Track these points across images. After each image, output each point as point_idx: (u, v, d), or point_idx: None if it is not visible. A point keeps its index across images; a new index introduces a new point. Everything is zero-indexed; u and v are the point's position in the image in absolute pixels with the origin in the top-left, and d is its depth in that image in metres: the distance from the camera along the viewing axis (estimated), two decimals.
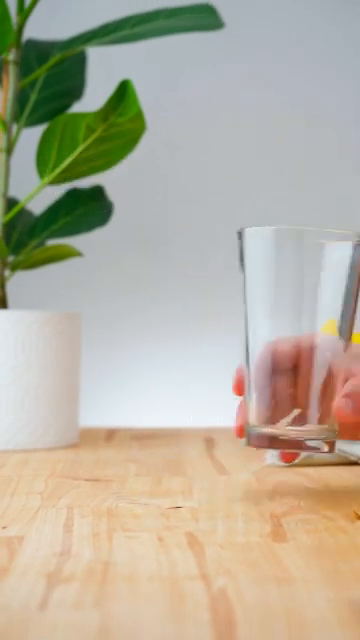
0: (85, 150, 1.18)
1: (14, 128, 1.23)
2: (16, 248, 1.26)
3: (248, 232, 0.81)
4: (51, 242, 1.29)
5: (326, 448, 0.81)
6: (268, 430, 0.80)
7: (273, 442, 0.80)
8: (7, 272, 1.23)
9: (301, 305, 0.80)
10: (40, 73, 1.23)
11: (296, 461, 1.02)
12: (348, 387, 0.81)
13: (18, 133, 1.23)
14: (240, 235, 0.82)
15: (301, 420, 0.80)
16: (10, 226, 1.26)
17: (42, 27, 1.35)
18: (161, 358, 1.56)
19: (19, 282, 1.35)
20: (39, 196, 1.30)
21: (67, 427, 1.18)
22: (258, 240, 0.81)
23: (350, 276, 0.80)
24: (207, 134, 1.60)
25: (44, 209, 1.28)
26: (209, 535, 0.71)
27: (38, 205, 1.33)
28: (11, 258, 1.25)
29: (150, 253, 1.59)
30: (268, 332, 0.80)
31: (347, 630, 0.50)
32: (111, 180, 1.38)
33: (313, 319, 0.81)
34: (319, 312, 0.81)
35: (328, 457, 1.04)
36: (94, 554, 0.66)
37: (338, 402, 0.81)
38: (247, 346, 0.81)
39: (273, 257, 0.80)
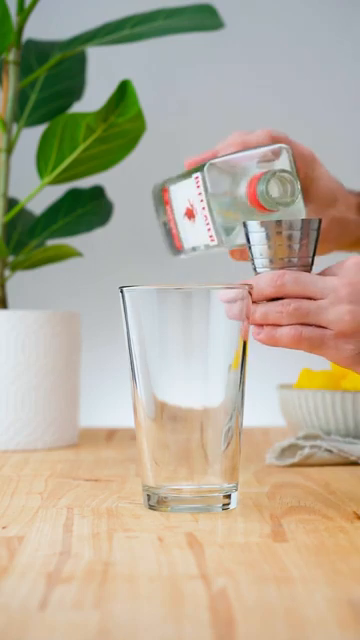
0: (85, 150, 1.18)
1: (14, 128, 1.23)
2: (16, 248, 1.26)
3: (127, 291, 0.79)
4: (51, 242, 1.29)
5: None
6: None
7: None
8: (7, 272, 1.23)
9: (191, 359, 0.79)
10: (40, 73, 1.23)
11: (295, 461, 1.02)
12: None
13: (18, 133, 1.23)
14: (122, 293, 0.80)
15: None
16: (10, 226, 1.26)
17: (42, 27, 1.35)
18: None
19: (19, 282, 1.35)
20: (39, 196, 1.30)
21: (67, 427, 1.18)
22: (141, 299, 0.78)
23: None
24: (207, 134, 1.60)
25: (44, 209, 1.28)
26: (209, 535, 0.71)
27: (38, 205, 1.33)
28: (11, 258, 1.25)
29: (150, 253, 1.59)
30: (158, 389, 0.78)
31: (346, 630, 0.50)
32: (111, 180, 1.38)
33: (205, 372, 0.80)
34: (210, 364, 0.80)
35: (328, 457, 1.04)
36: (94, 554, 0.66)
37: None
38: (136, 403, 0.79)
39: (156, 314, 0.78)
